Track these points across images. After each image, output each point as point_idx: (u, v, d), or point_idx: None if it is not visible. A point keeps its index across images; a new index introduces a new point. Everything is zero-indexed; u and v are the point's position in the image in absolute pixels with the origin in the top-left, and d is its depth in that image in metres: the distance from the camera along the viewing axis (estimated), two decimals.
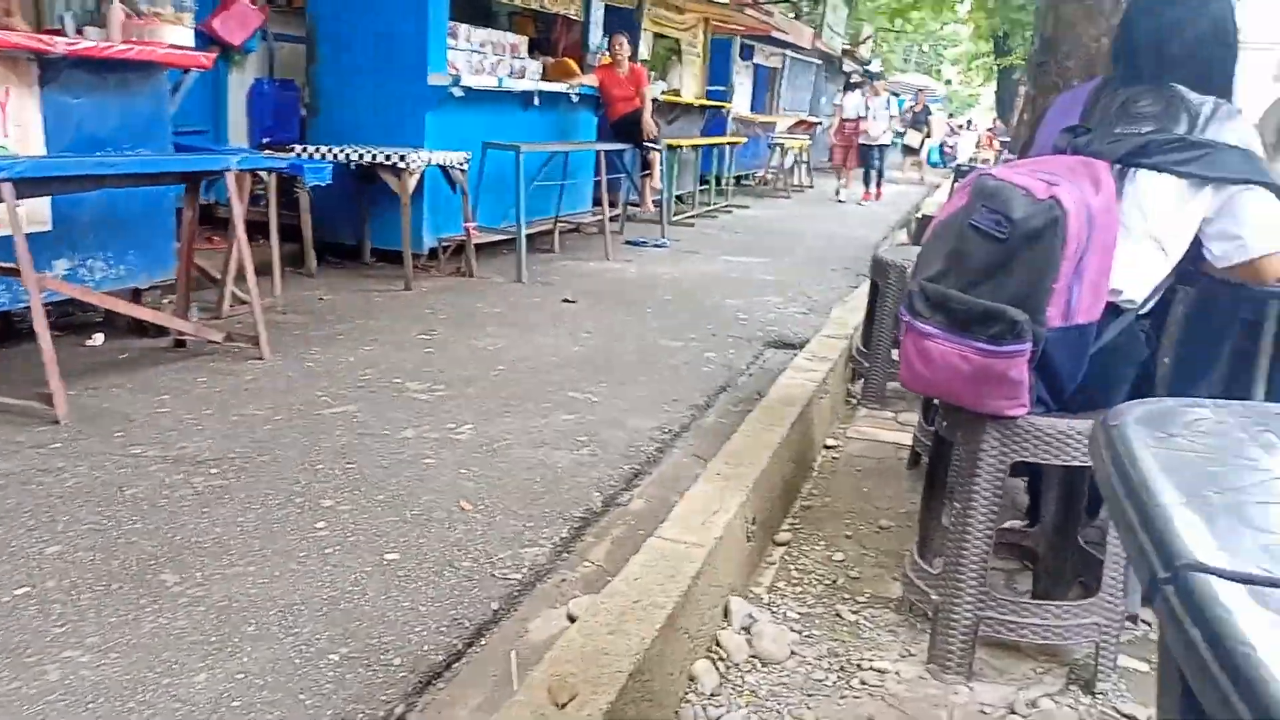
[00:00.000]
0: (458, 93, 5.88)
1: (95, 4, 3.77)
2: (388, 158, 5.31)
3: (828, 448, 3.30)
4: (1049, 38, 3.16)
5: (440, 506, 2.59)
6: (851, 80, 14.55)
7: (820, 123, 18.59)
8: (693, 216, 10.02)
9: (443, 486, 2.72)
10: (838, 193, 13.17)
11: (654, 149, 8.44)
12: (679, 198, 10.38)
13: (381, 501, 2.60)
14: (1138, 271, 1.85)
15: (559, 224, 7.37)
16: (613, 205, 7.97)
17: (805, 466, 3.03)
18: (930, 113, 19.12)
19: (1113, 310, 1.84)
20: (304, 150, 5.43)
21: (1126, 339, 1.88)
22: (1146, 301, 1.90)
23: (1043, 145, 2.02)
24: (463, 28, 6.56)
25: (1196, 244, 1.88)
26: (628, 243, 7.83)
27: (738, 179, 13.19)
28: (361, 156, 5.35)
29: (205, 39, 5.86)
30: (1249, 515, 0.63)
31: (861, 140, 13.02)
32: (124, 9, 3.64)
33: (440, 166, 5.65)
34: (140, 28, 3.64)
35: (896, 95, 21.42)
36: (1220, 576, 0.53)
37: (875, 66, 22.69)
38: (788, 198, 13.42)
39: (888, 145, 13.60)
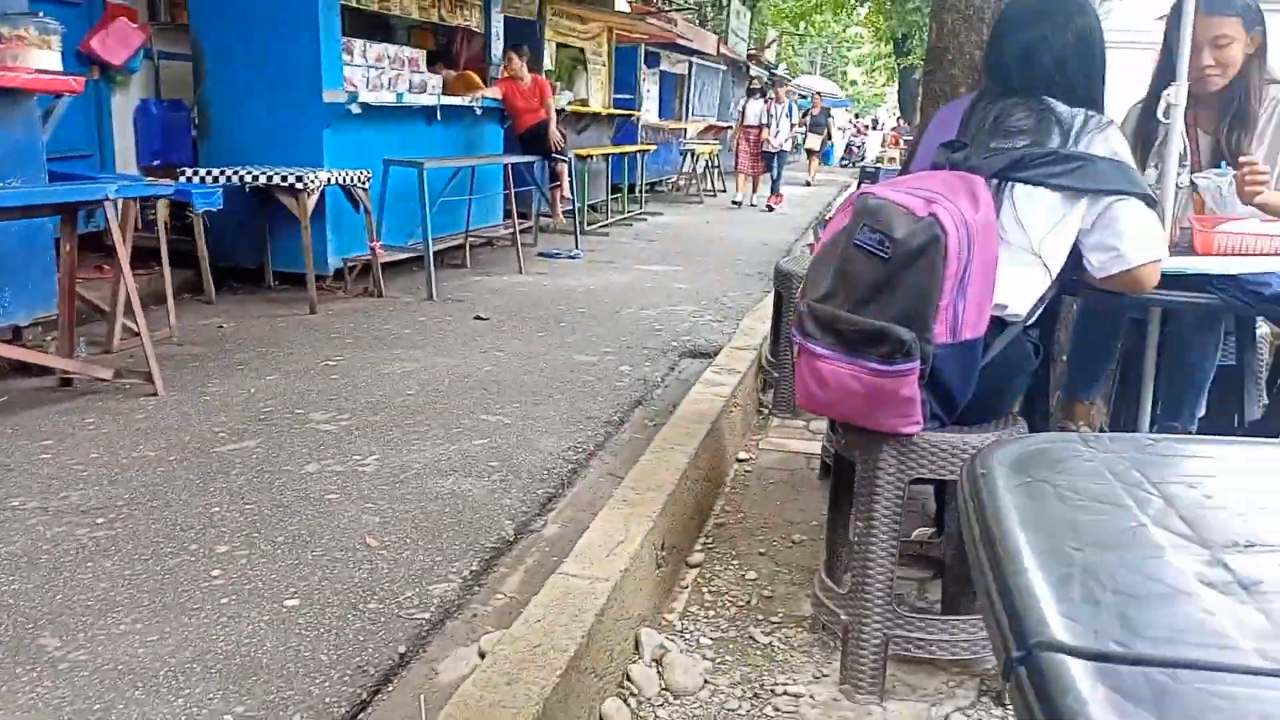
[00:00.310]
0: (355, 109, 5.74)
1: None
2: (284, 178, 5.14)
3: (740, 461, 3.31)
4: (934, 46, 3.21)
5: (344, 545, 2.50)
6: (751, 87, 14.54)
7: (729, 127, 18.82)
8: (607, 225, 10.01)
9: (346, 524, 2.63)
10: (751, 202, 13.21)
11: (562, 160, 8.40)
12: (592, 206, 10.36)
13: (281, 544, 2.50)
14: (1020, 285, 1.87)
15: (470, 238, 7.27)
16: (524, 217, 7.90)
17: (717, 483, 3.02)
18: (829, 115, 19.50)
19: (999, 324, 1.87)
20: (195, 174, 5.23)
21: (1015, 351, 1.91)
22: (1032, 313, 1.93)
23: (922, 160, 2.04)
24: (358, 43, 6.42)
25: (1078, 255, 1.92)
26: (541, 255, 7.78)
27: (651, 185, 13.23)
28: (256, 178, 5.18)
29: (85, 59, 5.61)
30: (1109, 574, 0.62)
31: (764, 148, 13.09)
32: None
33: (340, 185, 5.51)
34: (2, 52, 3.44)
35: (804, 97, 21.83)
36: (1074, 655, 0.52)
37: (781, 70, 23.04)
38: (700, 203, 13.52)
39: (788, 152, 13.68)
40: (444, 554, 2.48)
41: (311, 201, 5.20)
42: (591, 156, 9.65)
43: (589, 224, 9.50)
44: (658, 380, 4.21)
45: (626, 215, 10.92)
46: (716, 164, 15.21)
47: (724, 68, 20.63)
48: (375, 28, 7.99)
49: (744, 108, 13.56)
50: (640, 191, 12.01)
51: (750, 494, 3.03)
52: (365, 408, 3.61)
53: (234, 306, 5.34)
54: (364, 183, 5.63)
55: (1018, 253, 1.86)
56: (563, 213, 8.84)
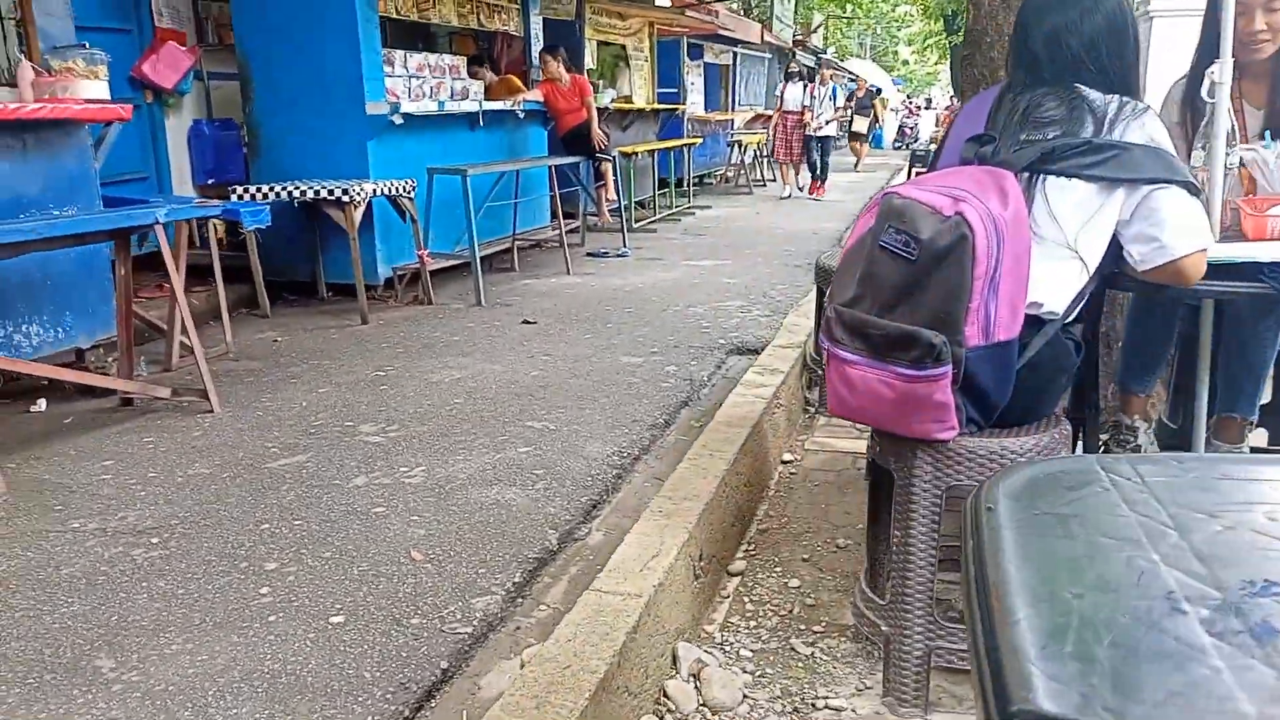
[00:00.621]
0: (398, 120, 5.80)
1: (4, 63, 3.67)
2: (330, 192, 5.22)
3: (785, 463, 3.26)
4: (972, 29, 3.12)
5: (389, 559, 2.52)
6: (790, 70, 14.09)
7: None
8: (655, 221, 9.98)
9: (392, 537, 2.65)
10: (799, 186, 13.01)
11: (605, 159, 8.39)
12: (640, 203, 10.33)
13: (328, 559, 2.53)
14: (1056, 281, 1.80)
15: (517, 241, 7.31)
16: (570, 218, 7.90)
17: (760, 487, 2.98)
18: (875, 95, 19.04)
19: (1035, 322, 1.80)
20: (244, 191, 5.34)
21: (1054, 349, 1.83)
22: (1070, 310, 1.85)
23: (950, 155, 1.96)
24: (398, 54, 6.48)
25: (1118, 247, 1.84)
26: (589, 255, 7.78)
27: (699, 179, 13.14)
28: (304, 192, 5.27)
29: (137, 84, 5.77)
30: (1107, 624, 0.58)
31: (805, 131, 12.71)
32: (33, 66, 3.55)
33: (386, 196, 5.58)
34: (53, 84, 3.54)
35: (852, 79, 21.48)
36: None
37: (829, 55, 22.70)
38: (750, 193, 13.40)
39: (833, 137, 13.22)
40: (487, 566, 2.48)
41: (358, 213, 5.28)
42: (637, 153, 9.63)
43: (637, 221, 9.47)
44: (704, 379, 4.18)
45: (675, 210, 10.88)
46: (765, 154, 15.03)
47: (769, 55, 20.41)
48: (417, 36, 8.07)
49: (782, 92, 13.11)
50: (688, 185, 11.94)
51: (794, 497, 2.98)
52: (413, 418, 3.65)
53: (288, 319, 5.45)
54: (409, 192, 5.69)
55: (1052, 248, 1.78)
56: (609, 212, 8.83)
